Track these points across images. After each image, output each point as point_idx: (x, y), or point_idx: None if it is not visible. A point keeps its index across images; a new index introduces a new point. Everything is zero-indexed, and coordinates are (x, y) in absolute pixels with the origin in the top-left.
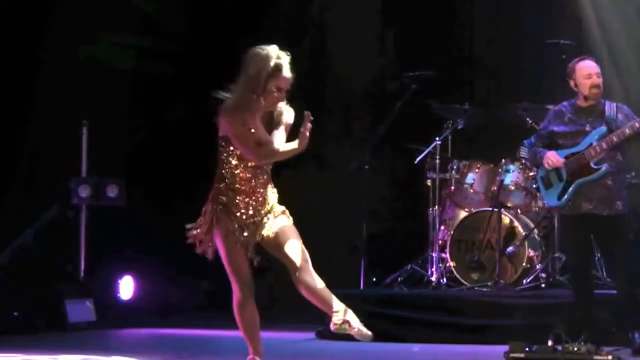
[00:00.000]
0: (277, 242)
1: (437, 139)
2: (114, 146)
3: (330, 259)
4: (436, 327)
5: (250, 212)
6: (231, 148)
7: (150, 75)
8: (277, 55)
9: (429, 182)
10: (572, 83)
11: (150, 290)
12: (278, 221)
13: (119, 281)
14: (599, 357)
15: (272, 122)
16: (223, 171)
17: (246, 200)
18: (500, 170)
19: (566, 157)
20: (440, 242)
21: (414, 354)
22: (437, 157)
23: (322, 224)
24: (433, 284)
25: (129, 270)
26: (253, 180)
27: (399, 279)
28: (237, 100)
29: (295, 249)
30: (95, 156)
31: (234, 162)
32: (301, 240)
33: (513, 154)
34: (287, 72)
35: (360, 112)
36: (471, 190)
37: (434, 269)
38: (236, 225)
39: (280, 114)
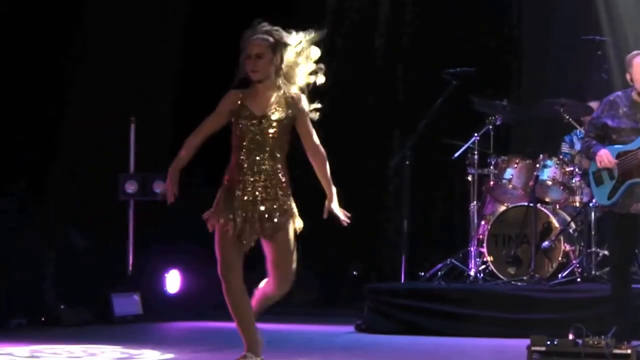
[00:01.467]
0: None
1: (476, 134)
2: (160, 142)
3: (371, 254)
4: (469, 320)
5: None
6: None
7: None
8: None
9: (469, 178)
10: (627, 76)
11: (196, 284)
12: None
13: (166, 275)
14: (618, 351)
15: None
16: None
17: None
18: (537, 165)
19: (618, 155)
20: (480, 236)
21: (446, 347)
22: (476, 152)
23: (364, 219)
24: (471, 278)
25: (176, 264)
26: None
27: (439, 273)
28: None
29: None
30: (143, 152)
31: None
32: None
33: (551, 149)
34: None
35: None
36: (510, 186)
37: (472, 264)
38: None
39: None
